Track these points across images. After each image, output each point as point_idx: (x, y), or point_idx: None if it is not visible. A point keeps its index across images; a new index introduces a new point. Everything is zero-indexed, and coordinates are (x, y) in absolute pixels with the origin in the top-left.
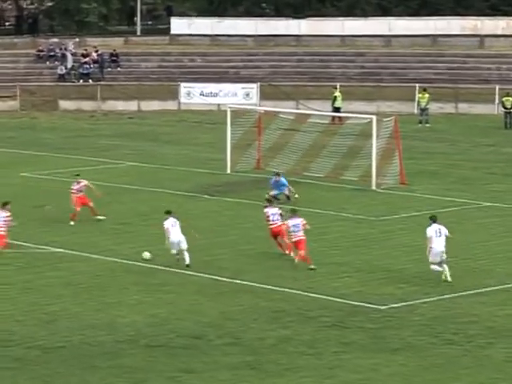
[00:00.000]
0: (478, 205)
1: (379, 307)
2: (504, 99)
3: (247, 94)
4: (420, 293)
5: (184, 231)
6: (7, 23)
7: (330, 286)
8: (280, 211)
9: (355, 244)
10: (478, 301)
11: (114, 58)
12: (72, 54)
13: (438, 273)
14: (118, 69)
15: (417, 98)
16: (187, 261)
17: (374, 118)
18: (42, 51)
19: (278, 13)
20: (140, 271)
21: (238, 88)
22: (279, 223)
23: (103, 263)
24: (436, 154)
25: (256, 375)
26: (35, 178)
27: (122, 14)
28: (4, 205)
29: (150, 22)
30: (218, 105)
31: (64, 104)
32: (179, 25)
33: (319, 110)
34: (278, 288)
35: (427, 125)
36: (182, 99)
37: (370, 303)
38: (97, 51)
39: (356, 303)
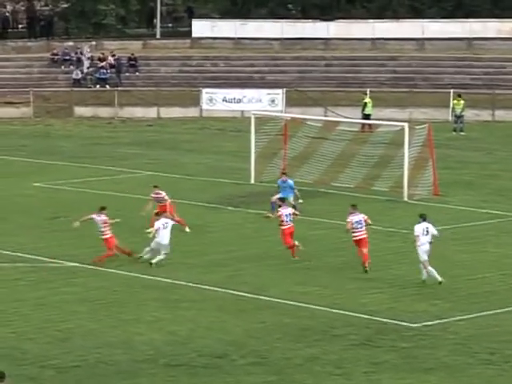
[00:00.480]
0: None
1: (411, 325)
2: None
3: (272, 101)
4: (455, 310)
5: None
6: (20, 26)
7: (358, 302)
8: (293, 211)
9: (386, 258)
10: None
11: (133, 63)
12: (88, 58)
13: (423, 272)
14: (137, 73)
15: (451, 105)
16: (155, 260)
17: (406, 125)
18: (56, 55)
19: (305, 14)
20: (158, 286)
21: (263, 94)
22: (292, 224)
23: (120, 278)
24: (471, 164)
25: None
26: (49, 189)
27: (140, 16)
28: (101, 209)
29: (170, 25)
30: (242, 111)
31: (80, 110)
32: (201, 27)
33: (348, 117)
34: (303, 304)
35: (462, 133)
36: (204, 106)
37: (401, 321)
38: (114, 55)
39: (387, 320)
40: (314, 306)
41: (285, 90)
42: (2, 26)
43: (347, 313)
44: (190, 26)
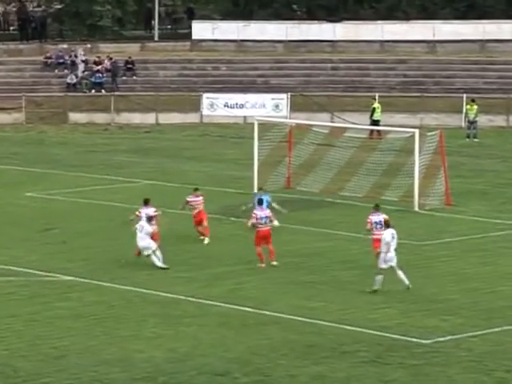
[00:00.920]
0: None
1: (422, 341)
2: None
3: (277, 106)
4: (468, 325)
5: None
6: (11, 27)
7: (367, 318)
8: (271, 214)
9: None
10: None
11: (130, 66)
12: (83, 62)
13: (380, 282)
14: (134, 78)
15: (464, 110)
16: (160, 261)
17: (417, 131)
18: (49, 58)
19: (311, 15)
20: (158, 301)
21: (267, 99)
22: (268, 227)
23: (117, 292)
24: (485, 172)
25: None
26: (42, 199)
27: (138, 18)
28: (146, 202)
29: (169, 26)
30: (245, 117)
31: (74, 116)
32: (201, 29)
33: (356, 123)
34: (309, 320)
35: (476, 139)
36: (205, 111)
37: (412, 337)
38: (110, 58)
39: (396, 337)
40: (321, 322)
41: (289, 94)
42: None
43: (355, 328)
44: (190, 27)
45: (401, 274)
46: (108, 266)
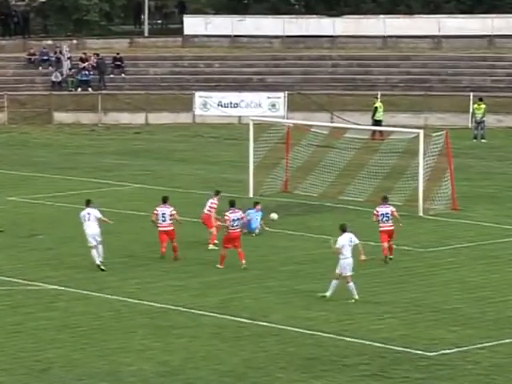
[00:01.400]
0: None
1: (427, 353)
2: None
3: (273, 105)
4: (475, 337)
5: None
6: None
7: (369, 329)
8: (242, 215)
9: (399, 279)
10: None
11: (118, 63)
12: (68, 59)
13: (336, 287)
14: (123, 75)
15: (471, 110)
16: (99, 257)
17: (422, 132)
18: (33, 55)
19: (309, 10)
20: (148, 311)
21: (263, 98)
22: (239, 230)
23: (105, 302)
24: (494, 175)
25: None
26: (26, 203)
27: (127, 12)
28: (165, 200)
29: (159, 21)
30: (239, 117)
31: (59, 116)
32: (194, 24)
33: (357, 123)
34: (308, 331)
35: (483, 140)
36: (197, 111)
37: (416, 349)
38: (97, 55)
39: (400, 349)
40: (321, 333)
41: (287, 93)
42: None
43: (356, 340)
44: (182, 22)
45: (351, 285)
46: (95, 274)
